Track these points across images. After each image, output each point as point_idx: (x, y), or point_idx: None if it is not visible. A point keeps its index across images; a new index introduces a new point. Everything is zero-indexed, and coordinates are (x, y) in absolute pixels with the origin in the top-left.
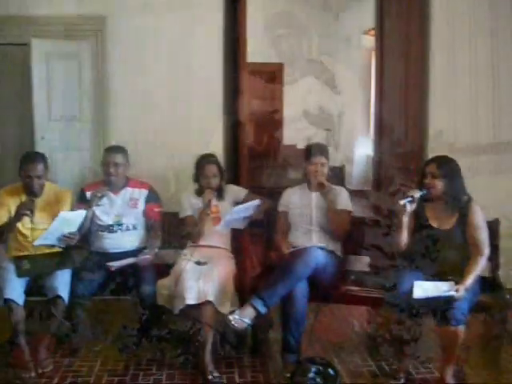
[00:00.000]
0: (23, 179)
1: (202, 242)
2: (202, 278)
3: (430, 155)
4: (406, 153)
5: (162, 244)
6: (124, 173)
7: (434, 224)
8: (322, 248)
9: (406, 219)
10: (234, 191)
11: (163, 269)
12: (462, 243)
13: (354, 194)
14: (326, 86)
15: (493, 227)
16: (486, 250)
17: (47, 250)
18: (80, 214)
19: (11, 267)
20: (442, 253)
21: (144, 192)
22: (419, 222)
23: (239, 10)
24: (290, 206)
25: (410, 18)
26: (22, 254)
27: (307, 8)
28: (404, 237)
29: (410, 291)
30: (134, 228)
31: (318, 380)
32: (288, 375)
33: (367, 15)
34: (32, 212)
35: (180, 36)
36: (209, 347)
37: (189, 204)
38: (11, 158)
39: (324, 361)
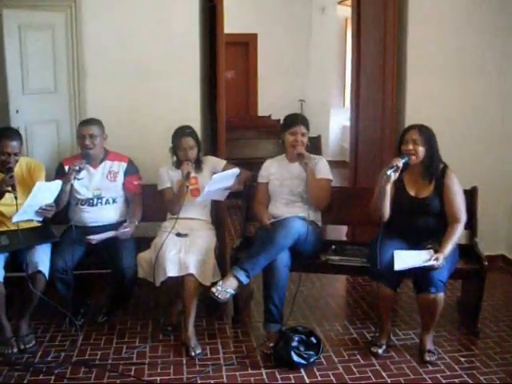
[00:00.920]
0: None
1: (182, 214)
2: (183, 250)
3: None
4: (383, 123)
5: (143, 216)
6: (101, 145)
7: (412, 193)
8: (303, 218)
9: (389, 187)
10: (213, 162)
11: (144, 242)
12: (439, 211)
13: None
14: (300, 56)
15: (471, 195)
16: (463, 217)
17: (26, 225)
18: (56, 185)
19: None
20: (420, 221)
21: (123, 165)
22: (397, 191)
23: None
24: (269, 176)
25: None
26: (1, 230)
27: None
28: (387, 206)
29: (391, 260)
30: (114, 201)
31: (302, 349)
32: (271, 345)
33: None
34: (14, 188)
35: (156, 7)
36: (191, 320)
37: (167, 176)
38: None
39: (307, 330)
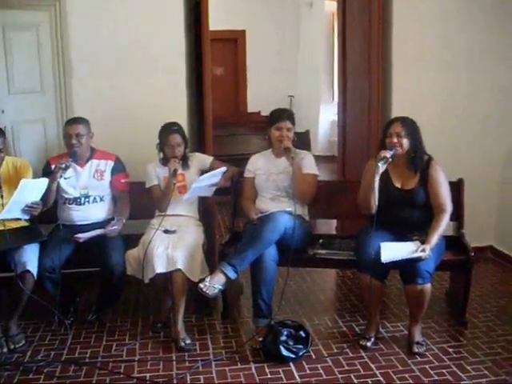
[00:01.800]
0: None
1: (169, 211)
2: (171, 247)
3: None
4: (370, 117)
5: (131, 214)
6: (87, 143)
7: (398, 184)
8: (289, 213)
9: (377, 179)
10: (200, 159)
11: (132, 239)
12: (425, 202)
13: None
14: (289, 51)
15: (457, 187)
16: (449, 207)
17: (14, 225)
18: (42, 182)
19: None
20: (406, 213)
21: (110, 163)
22: (383, 183)
23: None
24: (256, 171)
25: None
26: None
27: None
28: (375, 198)
29: (377, 252)
30: (102, 200)
31: (290, 343)
32: (260, 339)
33: None
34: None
35: (141, 5)
36: (180, 315)
37: (154, 174)
38: None
39: (295, 323)
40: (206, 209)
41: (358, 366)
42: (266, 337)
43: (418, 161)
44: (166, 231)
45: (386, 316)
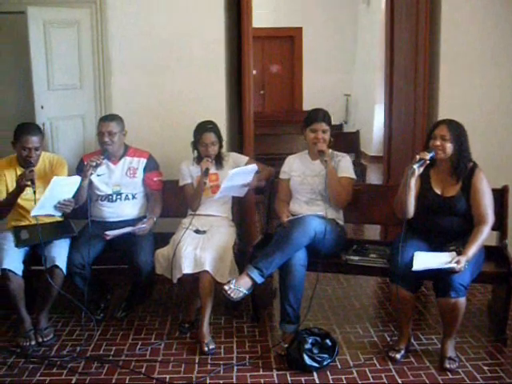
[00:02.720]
0: (19, 151)
1: (201, 211)
2: (200, 247)
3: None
4: (416, 119)
5: (164, 212)
6: (120, 141)
7: (438, 191)
8: (321, 217)
9: (413, 182)
10: (235, 159)
11: (164, 238)
12: (465, 211)
13: (373, 159)
14: (346, 49)
15: (501, 194)
16: (490, 219)
17: (47, 220)
18: (75, 180)
19: (10, 238)
20: (445, 221)
21: (143, 161)
22: (423, 188)
23: None
24: (291, 173)
25: None
26: (22, 224)
27: None
28: (412, 202)
29: (411, 262)
30: (134, 197)
31: (315, 351)
32: (285, 346)
33: None
34: (33, 182)
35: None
36: (207, 317)
37: (188, 172)
38: (12, 129)
39: (322, 331)
40: (242, 208)
41: (384, 380)
42: (291, 344)
43: (462, 168)
44: (197, 231)
45: (421, 327)
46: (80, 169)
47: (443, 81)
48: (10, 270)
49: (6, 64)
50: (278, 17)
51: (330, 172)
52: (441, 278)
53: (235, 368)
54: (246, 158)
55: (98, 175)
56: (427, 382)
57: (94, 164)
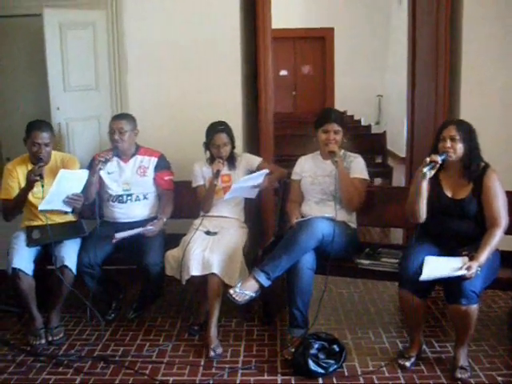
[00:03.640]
0: (30, 147)
1: (213, 213)
2: (208, 249)
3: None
4: (436, 119)
5: (175, 213)
6: (131, 140)
7: (448, 193)
8: (330, 218)
9: (425, 186)
10: (248, 160)
11: (175, 239)
12: (477, 214)
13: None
14: (378, 49)
15: None
16: (503, 221)
17: (59, 220)
18: (83, 174)
19: (23, 237)
20: (456, 225)
21: (154, 160)
22: (433, 191)
23: None
24: (302, 174)
25: None
26: (34, 223)
27: None
28: (424, 207)
29: (421, 267)
30: (145, 198)
31: (321, 356)
32: (292, 350)
33: None
34: (42, 177)
35: (197, 2)
36: (214, 321)
37: (201, 173)
38: None
39: (330, 337)
40: (258, 210)
41: None
42: (297, 348)
43: (473, 169)
44: (208, 232)
45: (436, 334)
46: (91, 166)
47: (465, 78)
48: (20, 270)
49: (22, 66)
50: (310, 17)
51: (341, 172)
52: (451, 284)
53: (240, 372)
54: (260, 160)
55: (109, 173)
56: None
57: (103, 159)
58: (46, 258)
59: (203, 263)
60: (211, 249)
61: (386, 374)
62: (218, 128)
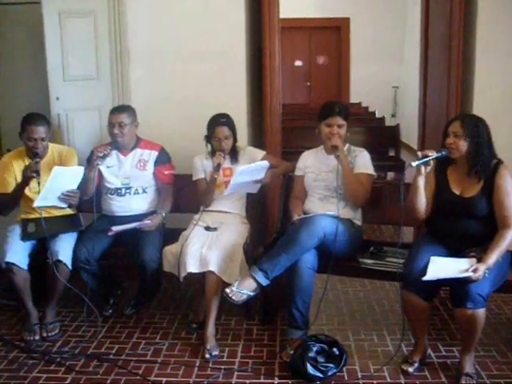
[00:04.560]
0: (26, 142)
1: (214, 207)
2: (207, 246)
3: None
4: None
5: (175, 208)
6: (131, 133)
7: (457, 191)
8: (333, 216)
9: (421, 182)
10: (250, 153)
11: (175, 234)
12: (487, 214)
13: None
14: (394, 40)
15: None
16: None
17: (57, 213)
18: (78, 170)
19: (18, 231)
20: (464, 224)
21: (154, 154)
22: (440, 189)
23: None
24: (305, 169)
25: None
26: (31, 216)
27: None
28: (420, 202)
29: (426, 268)
30: (144, 191)
31: (320, 360)
32: (291, 352)
33: None
34: (38, 173)
35: None
36: (212, 319)
37: (201, 167)
38: None
39: (330, 339)
40: (261, 205)
41: None
42: (296, 351)
43: (481, 166)
44: (208, 228)
45: (443, 337)
46: (90, 161)
47: (479, 71)
48: (14, 264)
49: (21, 55)
50: (326, 7)
51: (345, 168)
52: (457, 287)
53: (235, 374)
54: (263, 153)
55: (108, 167)
56: None
57: (101, 155)
58: (42, 252)
59: (201, 260)
60: (209, 245)
61: (388, 379)
62: (219, 121)
